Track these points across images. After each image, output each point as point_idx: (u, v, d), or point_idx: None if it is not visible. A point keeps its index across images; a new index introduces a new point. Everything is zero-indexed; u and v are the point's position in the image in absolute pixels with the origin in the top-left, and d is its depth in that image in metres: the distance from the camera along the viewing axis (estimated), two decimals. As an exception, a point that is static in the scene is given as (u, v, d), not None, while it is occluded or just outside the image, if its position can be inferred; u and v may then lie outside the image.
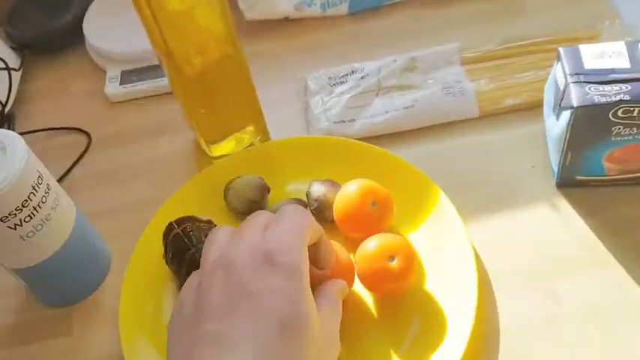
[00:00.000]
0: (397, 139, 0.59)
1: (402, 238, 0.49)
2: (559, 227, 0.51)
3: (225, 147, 0.60)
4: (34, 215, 0.46)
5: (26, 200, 0.45)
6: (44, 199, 0.46)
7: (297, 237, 0.38)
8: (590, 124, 0.47)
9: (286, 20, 0.72)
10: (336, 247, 0.47)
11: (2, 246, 0.47)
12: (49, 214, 0.47)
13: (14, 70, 0.70)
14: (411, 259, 0.47)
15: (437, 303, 0.48)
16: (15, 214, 0.45)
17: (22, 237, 0.46)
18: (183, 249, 0.49)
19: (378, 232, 0.49)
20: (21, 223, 0.45)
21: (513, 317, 0.47)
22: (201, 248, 0.48)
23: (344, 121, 0.61)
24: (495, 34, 0.64)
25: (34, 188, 0.45)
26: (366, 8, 0.72)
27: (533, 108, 0.58)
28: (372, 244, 0.48)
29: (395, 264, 0.46)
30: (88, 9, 0.75)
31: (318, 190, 0.54)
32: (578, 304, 0.47)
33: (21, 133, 0.65)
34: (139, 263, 0.53)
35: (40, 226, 0.47)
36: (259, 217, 0.40)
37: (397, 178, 0.54)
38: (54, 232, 0.48)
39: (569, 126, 0.47)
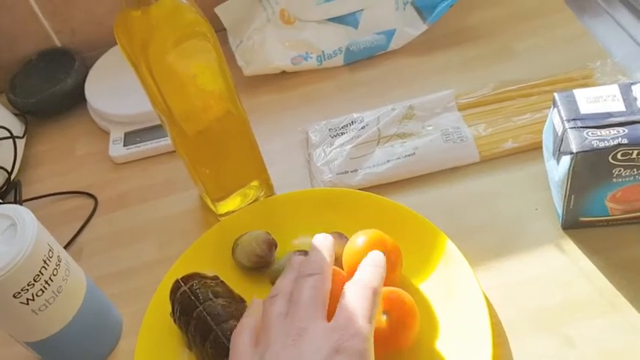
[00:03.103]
0: (400, 188, 0.60)
1: (401, 293, 0.48)
2: (567, 269, 0.51)
3: (231, 203, 0.60)
4: (46, 289, 0.46)
5: (38, 275, 0.45)
6: (55, 271, 0.47)
7: (367, 321, 0.40)
8: (591, 168, 0.47)
9: (284, 73, 0.74)
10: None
11: (15, 321, 0.47)
12: (60, 286, 0.47)
13: (18, 137, 0.71)
14: (405, 315, 0.46)
15: (452, 354, 0.47)
16: (27, 289, 0.45)
17: (34, 311, 0.46)
18: (190, 307, 0.50)
19: (388, 283, 0.49)
20: (33, 297, 0.45)
21: (528, 363, 0.47)
22: (209, 305, 0.49)
23: (347, 172, 0.61)
24: (488, 78, 0.66)
25: (45, 262, 0.46)
26: (360, 59, 0.73)
27: (533, 150, 0.59)
28: None
29: (385, 319, 0.46)
30: (88, 73, 0.77)
31: (325, 243, 0.54)
32: (591, 347, 0.47)
33: (27, 200, 0.67)
34: (151, 327, 0.53)
35: (52, 299, 0.47)
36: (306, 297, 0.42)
37: (403, 227, 0.54)
38: (66, 304, 0.48)
39: (570, 170, 0.48)
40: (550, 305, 0.50)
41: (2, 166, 0.68)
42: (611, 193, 0.49)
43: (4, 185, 0.68)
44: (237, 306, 0.51)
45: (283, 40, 0.73)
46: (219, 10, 0.77)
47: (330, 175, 0.61)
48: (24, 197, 0.68)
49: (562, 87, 0.61)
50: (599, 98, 0.49)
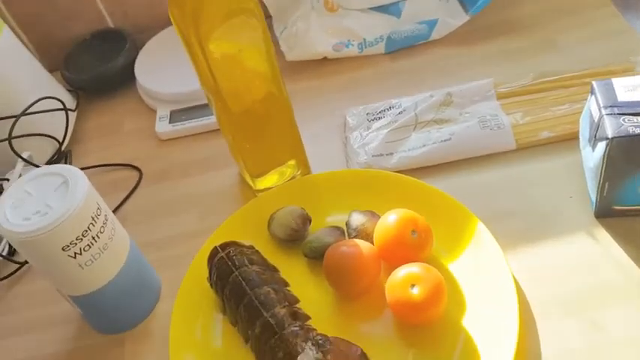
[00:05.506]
0: (434, 172, 0.61)
1: (430, 269, 0.49)
2: (598, 256, 0.52)
3: (268, 180, 0.62)
4: (93, 244, 0.49)
5: (86, 230, 0.48)
6: (102, 229, 0.49)
7: None
8: (626, 155, 0.48)
9: (325, 59, 0.75)
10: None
11: (62, 274, 0.50)
12: (106, 244, 0.50)
13: (71, 110, 0.74)
14: (435, 289, 0.48)
15: (478, 333, 0.48)
16: (75, 244, 0.48)
17: (80, 265, 0.49)
18: (227, 272, 0.52)
19: (418, 261, 0.51)
20: (80, 252, 0.48)
21: (555, 346, 0.47)
22: (244, 271, 0.51)
23: (382, 155, 0.63)
24: (529, 69, 0.66)
25: (93, 219, 0.48)
26: (401, 48, 0.74)
27: (569, 140, 0.59)
28: (398, 272, 0.49)
29: (416, 292, 0.47)
30: (138, 53, 0.80)
31: (357, 219, 0.56)
32: (620, 333, 0.47)
33: (76, 169, 0.70)
34: (188, 291, 0.55)
35: (97, 255, 0.49)
36: None
37: (436, 209, 0.55)
38: (110, 261, 0.51)
39: (605, 156, 0.48)
40: (579, 290, 0.50)
41: (55, 136, 0.71)
42: (645, 182, 0.49)
43: (55, 154, 0.71)
44: (271, 274, 0.53)
45: (326, 27, 0.74)
46: (266, -3, 0.79)
47: (365, 157, 0.63)
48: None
49: (602, 79, 0.61)
50: (637, 87, 0.49)
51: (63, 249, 0.47)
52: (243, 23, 0.51)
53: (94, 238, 0.49)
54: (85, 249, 0.48)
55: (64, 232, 0.47)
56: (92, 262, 0.49)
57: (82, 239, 0.48)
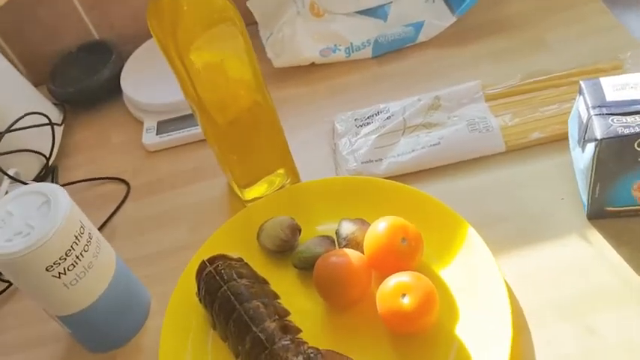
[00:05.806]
0: (424, 177, 0.60)
1: (421, 277, 0.48)
2: (592, 259, 0.51)
3: (257, 190, 0.62)
4: (77, 264, 0.48)
5: (69, 250, 0.47)
6: (86, 247, 0.49)
7: None
8: (616, 156, 0.47)
9: (312, 65, 0.75)
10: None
11: (47, 294, 0.49)
12: (90, 262, 0.49)
13: (57, 125, 0.73)
14: (425, 298, 0.47)
15: (471, 340, 0.48)
16: (59, 263, 0.47)
17: (65, 285, 0.48)
18: (215, 287, 0.51)
19: (408, 269, 0.50)
20: (65, 271, 0.47)
21: (549, 352, 0.47)
22: (233, 285, 0.50)
23: (372, 161, 0.62)
24: (517, 69, 0.65)
25: (76, 238, 0.48)
26: (388, 51, 0.74)
27: (560, 140, 0.58)
28: (388, 282, 0.49)
29: (406, 302, 0.47)
30: (124, 65, 0.79)
31: (347, 228, 0.55)
32: (614, 338, 0.46)
33: (63, 185, 0.70)
34: (177, 305, 0.54)
35: (82, 274, 0.49)
36: None
37: (426, 215, 0.55)
38: (96, 280, 0.50)
39: (595, 158, 0.48)
40: (573, 294, 0.49)
41: (41, 152, 0.70)
42: (637, 182, 0.49)
43: (42, 170, 0.71)
44: (261, 287, 0.52)
45: (312, 33, 0.74)
46: (251, 4, 0.78)
47: (354, 164, 0.62)
48: (60, 182, 0.71)
49: (591, 77, 0.61)
50: (626, 86, 0.48)
51: (47, 269, 0.47)
52: (223, 32, 0.50)
53: (77, 257, 0.48)
54: (70, 268, 0.48)
55: (46, 252, 0.46)
56: (77, 281, 0.49)
57: (65, 259, 0.47)
